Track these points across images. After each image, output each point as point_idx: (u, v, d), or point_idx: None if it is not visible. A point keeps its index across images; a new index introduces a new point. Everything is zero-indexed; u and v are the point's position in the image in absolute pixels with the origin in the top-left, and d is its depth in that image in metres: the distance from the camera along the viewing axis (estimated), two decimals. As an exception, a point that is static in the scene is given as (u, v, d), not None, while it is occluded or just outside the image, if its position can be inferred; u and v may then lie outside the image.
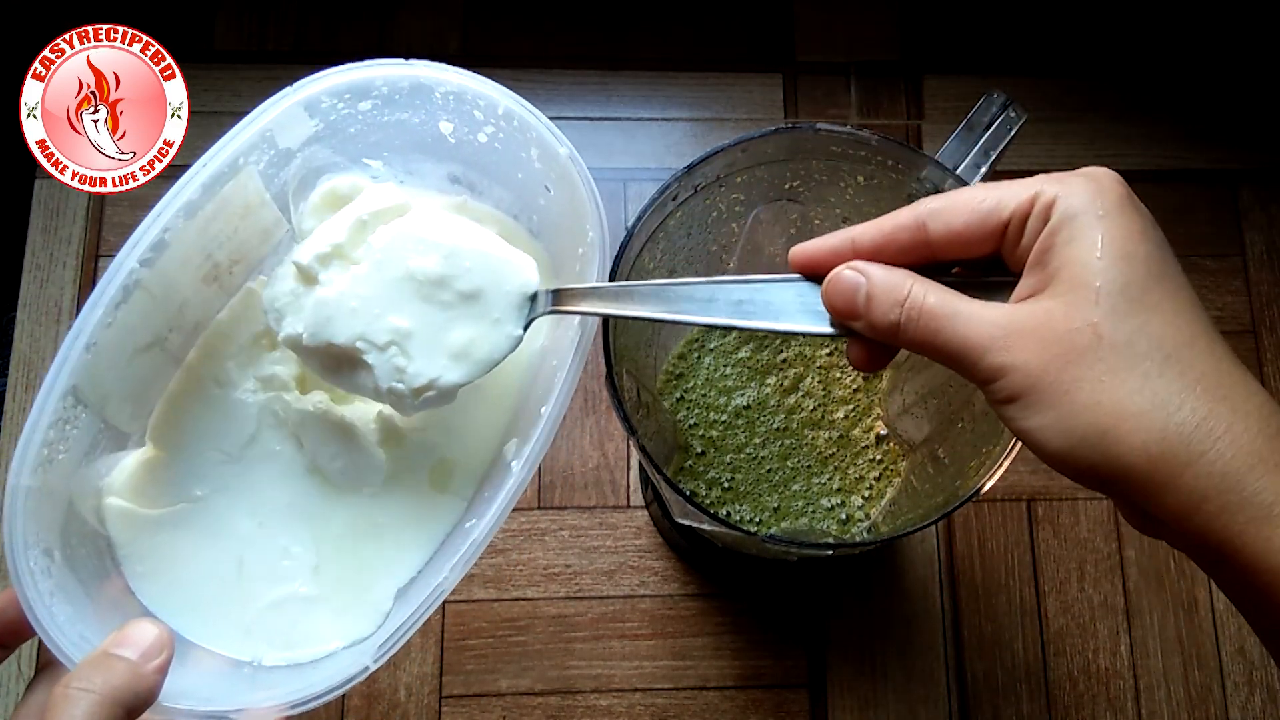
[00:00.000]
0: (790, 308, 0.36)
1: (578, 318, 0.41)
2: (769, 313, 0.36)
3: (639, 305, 0.38)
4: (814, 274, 0.36)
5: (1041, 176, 0.33)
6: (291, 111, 0.40)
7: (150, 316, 0.40)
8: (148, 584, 0.41)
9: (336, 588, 0.42)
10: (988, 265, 0.35)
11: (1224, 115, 0.76)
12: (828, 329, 0.36)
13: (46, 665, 0.38)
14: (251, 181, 0.41)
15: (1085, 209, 0.31)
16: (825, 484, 0.59)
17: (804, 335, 0.37)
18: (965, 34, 0.77)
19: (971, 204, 0.34)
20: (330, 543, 0.43)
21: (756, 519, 0.58)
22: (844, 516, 0.59)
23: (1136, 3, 0.78)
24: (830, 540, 0.57)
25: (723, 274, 0.59)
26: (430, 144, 0.44)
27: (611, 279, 0.45)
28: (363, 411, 0.44)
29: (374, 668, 0.37)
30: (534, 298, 0.41)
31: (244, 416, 0.43)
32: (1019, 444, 0.44)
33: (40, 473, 0.36)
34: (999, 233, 0.33)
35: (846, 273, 0.35)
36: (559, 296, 0.40)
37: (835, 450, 0.60)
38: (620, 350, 0.49)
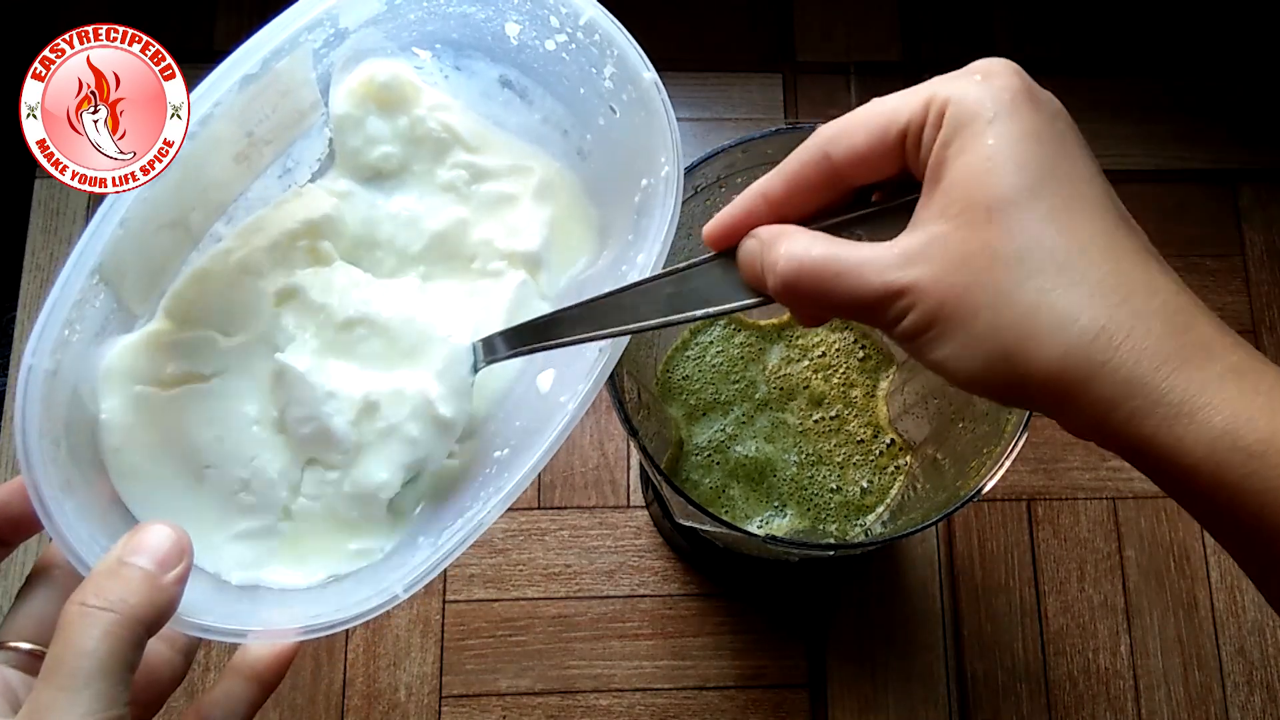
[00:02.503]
0: (720, 288, 0.35)
1: (651, 241, 0.39)
2: (699, 299, 0.35)
3: (569, 331, 0.37)
4: (733, 246, 0.35)
5: (937, 79, 0.31)
6: None
7: (179, 192, 0.38)
8: (131, 484, 0.38)
9: (340, 498, 0.40)
10: (907, 184, 0.33)
11: (1224, 115, 0.76)
12: (755, 299, 0.34)
13: (41, 570, 0.36)
14: (304, 60, 0.39)
15: (976, 113, 0.29)
16: (826, 484, 0.59)
17: (739, 310, 0.35)
18: (965, 34, 0.77)
19: (868, 120, 0.32)
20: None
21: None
22: (845, 516, 0.59)
23: (1136, 3, 0.78)
24: (831, 541, 0.57)
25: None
26: (489, 43, 0.42)
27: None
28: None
29: (404, 597, 0.35)
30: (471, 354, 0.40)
31: (264, 307, 0.41)
32: (1020, 444, 0.44)
33: (57, 354, 0.34)
34: (898, 148, 0.31)
35: (748, 243, 0.33)
36: (486, 347, 0.40)
37: (836, 450, 0.60)
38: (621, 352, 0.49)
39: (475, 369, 0.40)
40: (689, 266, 0.35)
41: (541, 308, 0.43)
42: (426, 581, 0.36)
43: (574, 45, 0.41)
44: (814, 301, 0.32)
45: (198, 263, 0.40)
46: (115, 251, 0.36)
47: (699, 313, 0.35)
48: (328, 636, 0.35)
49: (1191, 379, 0.27)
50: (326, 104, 0.42)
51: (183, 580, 0.32)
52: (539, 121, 0.44)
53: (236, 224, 0.42)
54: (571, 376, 0.39)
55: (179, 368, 0.40)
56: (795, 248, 0.32)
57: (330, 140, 0.43)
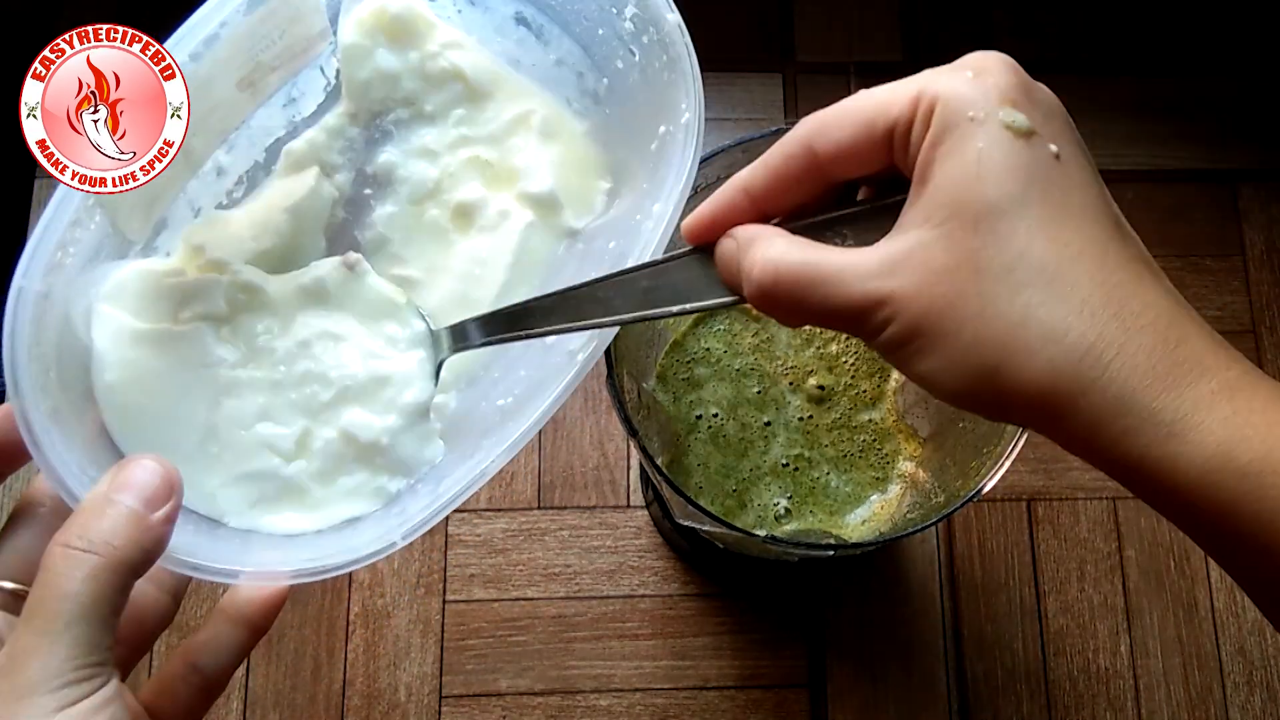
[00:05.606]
0: (697, 284, 0.34)
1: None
2: (676, 295, 0.34)
3: (542, 322, 0.36)
4: (712, 242, 0.33)
5: (928, 72, 0.29)
6: None
7: None
8: (123, 419, 0.36)
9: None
10: (896, 181, 0.31)
11: (1224, 115, 0.76)
12: (733, 298, 0.33)
13: (25, 507, 0.35)
14: None
15: (965, 113, 0.27)
16: (828, 482, 0.59)
17: (716, 309, 0.35)
18: (965, 33, 0.77)
19: (855, 113, 0.30)
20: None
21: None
22: (845, 515, 0.59)
23: (1136, 3, 0.78)
24: (831, 541, 0.57)
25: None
26: None
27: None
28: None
29: (401, 544, 0.34)
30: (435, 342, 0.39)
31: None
32: (1020, 444, 0.44)
33: (50, 277, 0.33)
34: (885, 144, 0.29)
35: (725, 242, 0.32)
36: (455, 335, 0.39)
37: (839, 448, 0.60)
38: (621, 351, 0.49)
39: (440, 357, 0.39)
40: (666, 260, 0.34)
41: (549, 251, 0.42)
42: (426, 529, 0.34)
43: None
44: (791, 309, 0.31)
45: (213, 213, 0.40)
46: None
47: (675, 308, 0.34)
48: (325, 581, 0.35)
49: (1184, 397, 0.26)
50: (335, 33, 0.41)
51: (171, 519, 0.30)
52: (554, 63, 0.42)
53: (238, 153, 0.41)
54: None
55: (190, 307, 0.38)
56: (771, 252, 0.30)
57: (338, 71, 0.42)
